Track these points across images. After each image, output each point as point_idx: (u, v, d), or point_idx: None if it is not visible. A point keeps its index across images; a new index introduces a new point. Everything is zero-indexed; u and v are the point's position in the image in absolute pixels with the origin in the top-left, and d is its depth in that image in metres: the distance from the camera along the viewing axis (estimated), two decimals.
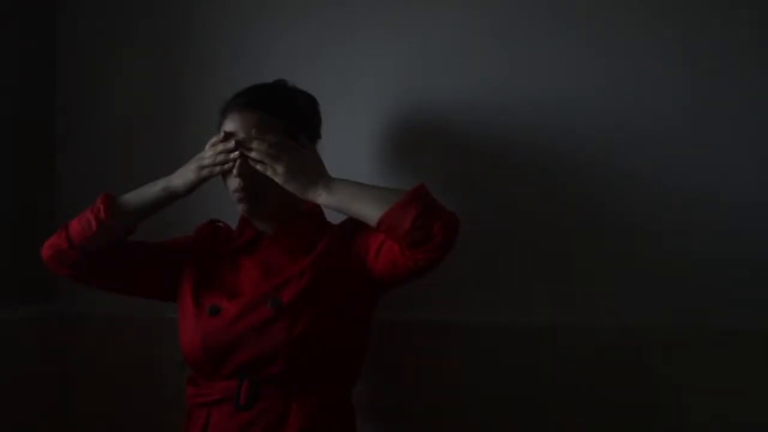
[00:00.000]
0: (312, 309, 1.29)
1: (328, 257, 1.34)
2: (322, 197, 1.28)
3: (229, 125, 1.35)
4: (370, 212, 1.23)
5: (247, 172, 1.32)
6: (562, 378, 1.52)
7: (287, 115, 1.36)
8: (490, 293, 1.58)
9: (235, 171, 1.32)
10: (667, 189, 1.50)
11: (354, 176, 1.33)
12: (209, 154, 1.34)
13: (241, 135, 1.32)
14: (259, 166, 1.30)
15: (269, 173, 1.29)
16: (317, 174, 1.31)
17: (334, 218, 1.40)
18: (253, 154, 1.30)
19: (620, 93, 1.53)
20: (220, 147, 1.33)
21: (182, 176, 1.36)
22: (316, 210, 1.43)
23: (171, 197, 1.37)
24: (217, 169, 1.33)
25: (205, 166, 1.33)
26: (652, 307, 1.50)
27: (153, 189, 1.37)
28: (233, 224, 1.46)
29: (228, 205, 1.40)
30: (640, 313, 1.51)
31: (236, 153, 1.31)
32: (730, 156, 1.48)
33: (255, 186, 1.33)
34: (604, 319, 1.52)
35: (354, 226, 1.34)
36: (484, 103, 1.58)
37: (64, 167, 1.82)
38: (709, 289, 1.48)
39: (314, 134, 1.44)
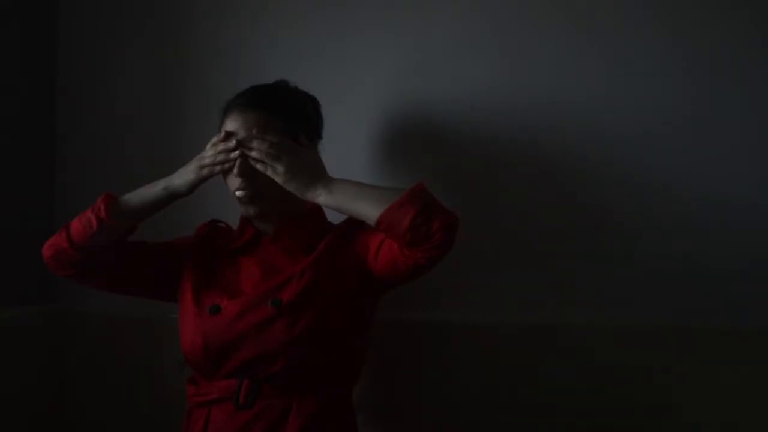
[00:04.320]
0: (312, 308, 1.29)
1: (329, 257, 1.34)
2: (321, 197, 1.28)
3: (230, 125, 1.35)
4: (370, 212, 1.23)
5: (247, 172, 1.32)
6: (562, 378, 1.52)
7: (288, 116, 1.37)
8: (490, 293, 1.58)
9: (235, 171, 1.32)
10: (668, 189, 1.51)
11: (354, 176, 1.33)
12: (210, 153, 1.34)
13: (241, 134, 1.33)
14: (259, 166, 1.30)
15: (269, 173, 1.29)
16: (317, 174, 1.31)
17: (334, 218, 1.40)
18: (253, 154, 1.30)
19: (620, 93, 1.53)
20: (221, 146, 1.33)
21: (183, 176, 1.35)
22: (317, 210, 1.43)
23: (172, 197, 1.36)
24: (218, 168, 1.33)
25: (206, 166, 1.33)
26: (652, 308, 1.51)
27: (154, 189, 1.36)
28: (233, 224, 1.46)
29: (228, 205, 1.40)
30: (640, 313, 1.51)
31: (237, 152, 1.31)
32: (730, 156, 1.49)
33: (255, 186, 1.33)
34: (604, 319, 1.52)
35: (354, 225, 1.35)
36: (484, 103, 1.58)
37: (64, 167, 1.82)
38: (709, 289, 1.48)
39: (315, 134, 1.44)
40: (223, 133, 1.34)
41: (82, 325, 1.77)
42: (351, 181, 1.29)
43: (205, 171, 1.34)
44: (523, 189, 1.57)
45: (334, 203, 1.28)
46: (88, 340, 1.77)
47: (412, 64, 1.62)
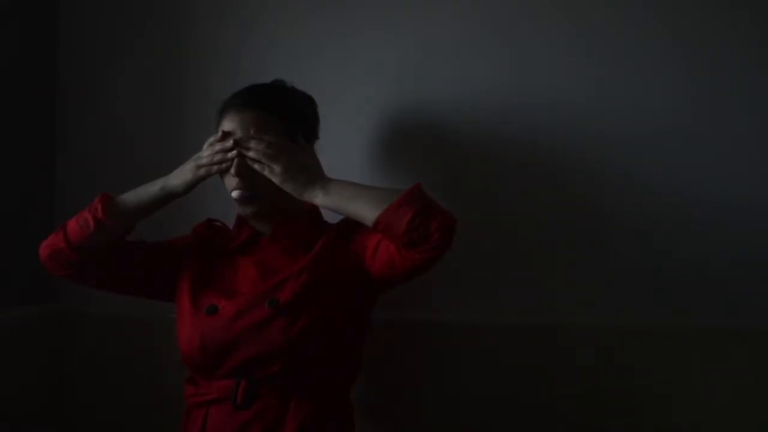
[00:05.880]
0: (310, 309, 1.29)
1: (326, 257, 1.34)
2: (318, 198, 1.27)
3: (228, 125, 1.35)
4: (367, 213, 1.23)
5: (244, 172, 1.31)
6: (562, 378, 1.52)
7: (285, 115, 1.36)
8: (490, 293, 1.58)
9: (232, 170, 1.32)
10: (668, 189, 1.51)
11: (353, 176, 1.33)
12: (207, 153, 1.34)
13: (238, 134, 1.33)
14: (256, 166, 1.30)
15: (266, 173, 1.29)
16: (314, 174, 1.30)
17: (331, 218, 1.40)
18: (250, 154, 1.30)
19: (620, 93, 1.53)
20: (218, 146, 1.33)
21: (180, 176, 1.36)
22: (314, 210, 1.43)
23: (169, 197, 1.36)
24: (215, 168, 1.33)
25: (203, 165, 1.33)
26: (651, 307, 1.51)
27: (151, 189, 1.36)
28: (231, 224, 1.46)
29: (226, 205, 1.40)
30: (640, 313, 1.51)
31: (234, 152, 1.31)
32: (730, 156, 1.48)
33: (253, 186, 1.33)
34: (604, 319, 1.52)
35: (352, 225, 1.35)
36: (484, 103, 1.58)
37: (64, 167, 1.82)
38: (709, 289, 1.48)
39: (312, 134, 1.44)
40: (220, 133, 1.34)
41: (82, 325, 1.78)
42: (348, 181, 1.29)
43: (203, 171, 1.34)
44: (523, 189, 1.57)
45: (331, 204, 1.27)
46: (88, 340, 1.77)
47: (412, 64, 1.62)
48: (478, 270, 1.58)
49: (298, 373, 1.29)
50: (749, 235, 1.47)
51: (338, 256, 1.35)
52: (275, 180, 1.29)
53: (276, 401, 1.28)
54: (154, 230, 1.46)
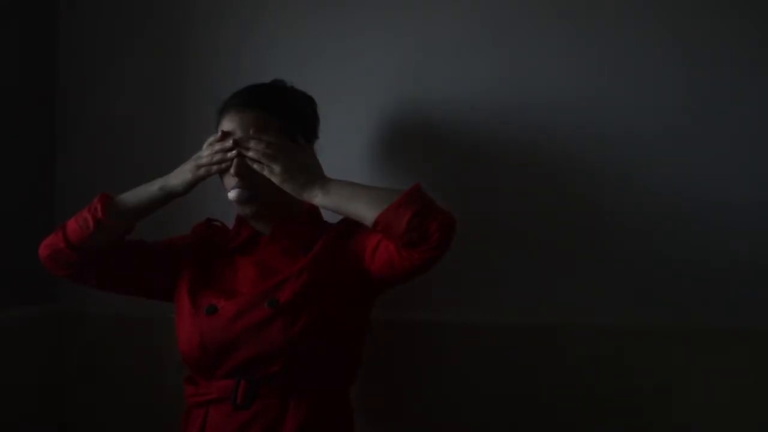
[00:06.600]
0: (309, 309, 1.29)
1: (326, 257, 1.34)
2: (318, 198, 1.28)
3: (227, 125, 1.35)
4: (366, 213, 1.23)
5: (244, 172, 1.31)
6: (562, 378, 1.52)
7: (285, 115, 1.36)
8: (490, 293, 1.58)
9: (232, 170, 1.32)
10: (668, 189, 1.50)
11: (354, 176, 1.33)
12: (206, 153, 1.34)
13: (238, 134, 1.33)
14: (256, 166, 1.30)
15: (266, 173, 1.29)
16: (314, 174, 1.30)
17: (331, 218, 1.40)
18: (250, 154, 1.30)
19: (620, 93, 1.53)
20: (218, 146, 1.33)
21: (179, 176, 1.35)
22: (314, 210, 1.43)
23: (168, 197, 1.36)
24: (215, 168, 1.33)
25: (203, 165, 1.33)
26: (651, 307, 1.50)
27: (150, 189, 1.36)
28: (231, 224, 1.46)
29: (226, 205, 1.40)
30: (640, 313, 1.51)
31: (233, 152, 1.31)
32: (730, 156, 1.48)
33: (252, 186, 1.33)
34: (604, 319, 1.52)
35: (352, 225, 1.35)
36: (483, 103, 1.58)
37: (64, 167, 1.82)
38: (709, 289, 1.48)
39: (312, 134, 1.43)
40: (220, 133, 1.34)
41: (82, 325, 1.78)
42: (347, 181, 1.29)
43: (202, 171, 1.34)
44: (523, 189, 1.57)
45: (330, 204, 1.27)
46: (88, 340, 1.77)
47: (412, 64, 1.62)
48: (478, 270, 1.58)
49: (298, 373, 1.29)
50: (749, 235, 1.46)
51: (338, 256, 1.35)
52: (275, 180, 1.29)
53: (276, 401, 1.28)
54: (154, 230, 1.46)
